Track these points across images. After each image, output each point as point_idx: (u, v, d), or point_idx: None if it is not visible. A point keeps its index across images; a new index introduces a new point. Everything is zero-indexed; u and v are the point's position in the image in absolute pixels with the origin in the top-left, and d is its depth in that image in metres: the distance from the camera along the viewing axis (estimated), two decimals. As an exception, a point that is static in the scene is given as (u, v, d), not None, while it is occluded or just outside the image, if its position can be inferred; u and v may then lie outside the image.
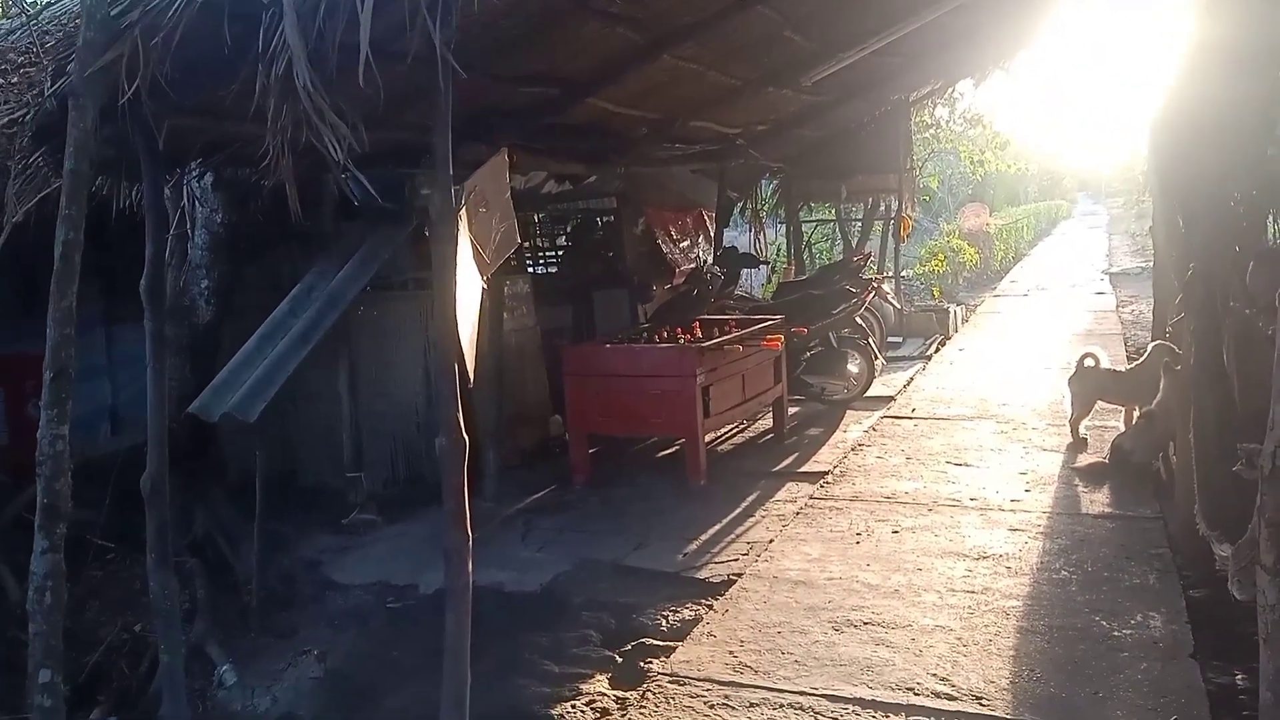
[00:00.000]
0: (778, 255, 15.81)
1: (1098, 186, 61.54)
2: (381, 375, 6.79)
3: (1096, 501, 5.92)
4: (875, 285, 9.54)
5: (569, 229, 10.63)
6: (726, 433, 8.06)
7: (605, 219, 10.70)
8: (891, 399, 9.15)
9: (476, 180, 4.02)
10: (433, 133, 3.42)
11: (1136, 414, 6.79)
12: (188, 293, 6.11)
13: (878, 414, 8.55)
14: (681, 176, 10.60)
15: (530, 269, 9.94)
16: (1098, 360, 7.16)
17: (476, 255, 3.91)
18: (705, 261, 10.50)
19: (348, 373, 6.67)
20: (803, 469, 7.04)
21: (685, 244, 11.54)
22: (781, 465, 7.20)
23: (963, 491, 6.22)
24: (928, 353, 11.84)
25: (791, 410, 8.32)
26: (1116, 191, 51.69)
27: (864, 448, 7.45)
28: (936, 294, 15.88)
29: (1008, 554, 5.09)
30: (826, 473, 6.79)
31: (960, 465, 6.83)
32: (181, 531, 5.72)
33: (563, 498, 6.65)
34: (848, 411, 8.68)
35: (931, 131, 17.01)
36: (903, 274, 14.74)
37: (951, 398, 9.13)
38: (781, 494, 6.46)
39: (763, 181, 13.01)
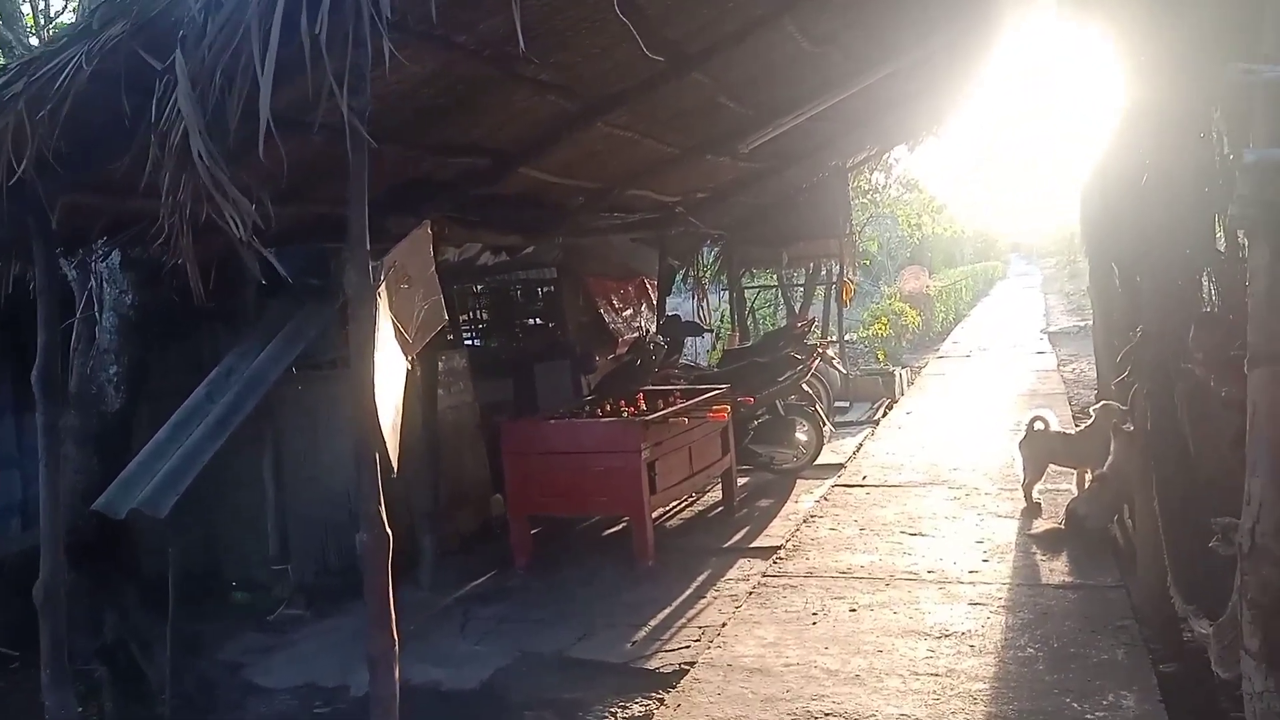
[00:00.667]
0: (721, 322, 15.73)
1: (1030, 248, 63.17)
2: (309, 460, 6.40)
3: (1056, 570, 5.75)
4: (820, 351, 9.44)
5: (498, 300, 10.39)
6: (674, 507, 7.79)
7: (546, 289, 10.50)
8: (842, 466, 8.97)
9: (396, 255, 3.79)
10: (348, 206, 3.21)
11: (1089, 477, 6.68)
12: (95, 379, 5.71)
13: (829, 482, 8.36)
14: (622, 245, 10.44)
15: (469, 342, 9.67)
16: (1047, 423, 7.05)
17: (399, 335, 3.67)
18: (648, 331, 10.32)
19: (273, 458, 6.28)
20: (754, 544, 6.79)
21: (628, 313, 11.35)
22: (732, 540, 6.94)
23: (919, 563, 6.01)
24: (875, 417, 11.72)
25: (741, 481, 8.09)
26: (1049, 252, 53.09)
27: (816, 519, 7.23)
28: (881, 357, 15.87)
29: (970, 631, 4.87)
30: (779, 547, 6.55)
31: (915, 535, 6.64)
32: (91, 637, 5.29)
33: (504, 583, 6.31)
34: (798, 480, 8.47)
35: (870, 196, 17.18)
36: (847, 338, 14.71)
37: (902, 463, 8.98)
38: (733, 572, 6.20)
39: (704, 249, 12.95)
